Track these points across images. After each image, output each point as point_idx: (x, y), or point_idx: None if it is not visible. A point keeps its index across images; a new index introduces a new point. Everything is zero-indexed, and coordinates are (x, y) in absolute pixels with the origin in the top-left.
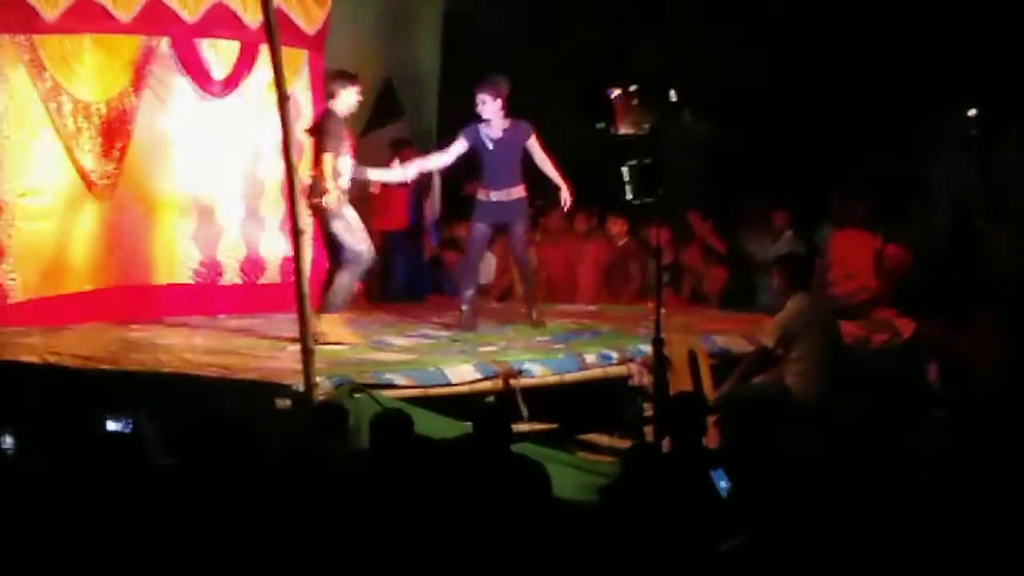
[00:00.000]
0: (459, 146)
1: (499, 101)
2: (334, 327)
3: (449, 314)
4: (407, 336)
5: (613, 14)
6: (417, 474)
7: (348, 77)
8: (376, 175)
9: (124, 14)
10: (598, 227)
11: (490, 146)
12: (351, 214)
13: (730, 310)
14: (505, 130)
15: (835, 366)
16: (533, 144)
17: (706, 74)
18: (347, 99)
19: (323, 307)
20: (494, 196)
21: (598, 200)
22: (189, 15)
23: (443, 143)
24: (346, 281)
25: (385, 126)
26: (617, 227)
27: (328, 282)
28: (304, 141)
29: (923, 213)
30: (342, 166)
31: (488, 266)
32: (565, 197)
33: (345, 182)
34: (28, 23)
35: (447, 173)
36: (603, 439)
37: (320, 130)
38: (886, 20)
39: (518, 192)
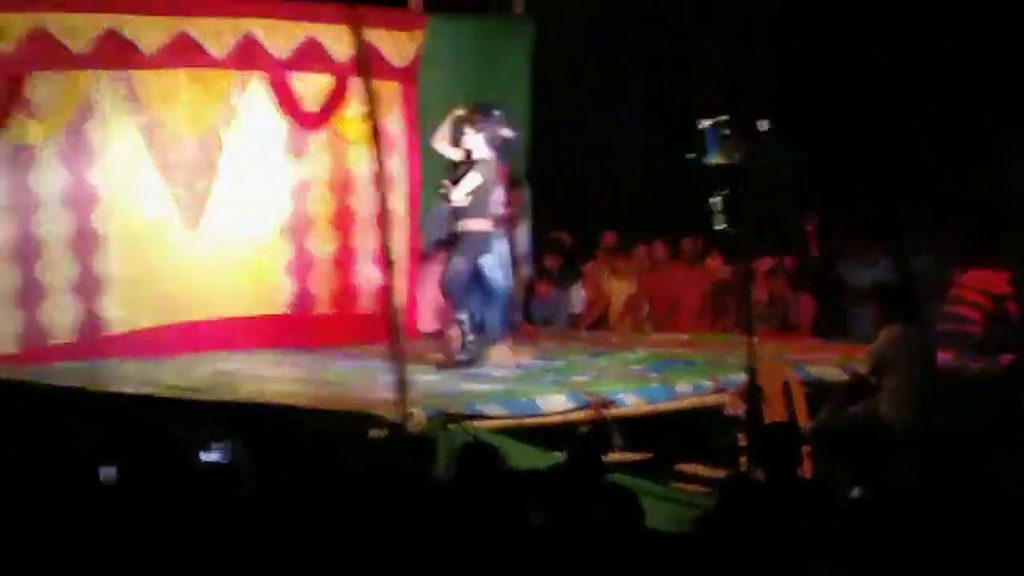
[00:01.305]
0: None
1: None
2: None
3: (541, 345)
4: (500, 366)
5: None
6: (503, 504)
7: (485, 109)
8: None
9: (218, 50)
10: (702, 257)
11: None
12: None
13: (824, 339)
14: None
15: (930, 395)
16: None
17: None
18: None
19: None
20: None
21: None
22: (281, 51)
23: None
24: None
25: None
26: (716, 259)
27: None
28: (396, 174)
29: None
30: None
31: (575, 296)
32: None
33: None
34: (127, 58)
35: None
36: (697, 469)
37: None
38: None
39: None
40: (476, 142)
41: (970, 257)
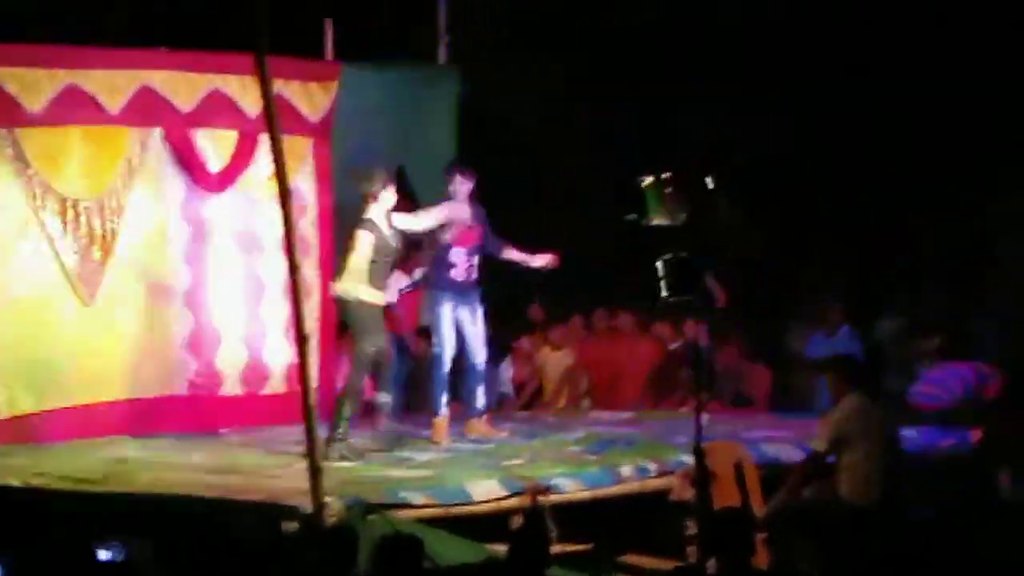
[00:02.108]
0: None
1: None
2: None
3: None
4: (425, 450)
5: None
6: None
7: (386, 176)
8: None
9: (113, 104)
10: (647, 326)
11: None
12: (445, 312)
13: (780, 413)
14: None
15: (894, 473)
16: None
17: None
18: (388, 198)
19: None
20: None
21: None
22: (183, 104)
23: None
24: (435, 380)
25: None
26: (667, 329)
27: None
28: (309, 237)
29: (993, 303)
30: (455, 257)
31: (504, 373)
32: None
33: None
34: (9, 115)
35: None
36: (642, 561)
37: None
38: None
39: None
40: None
41: (949, 321)
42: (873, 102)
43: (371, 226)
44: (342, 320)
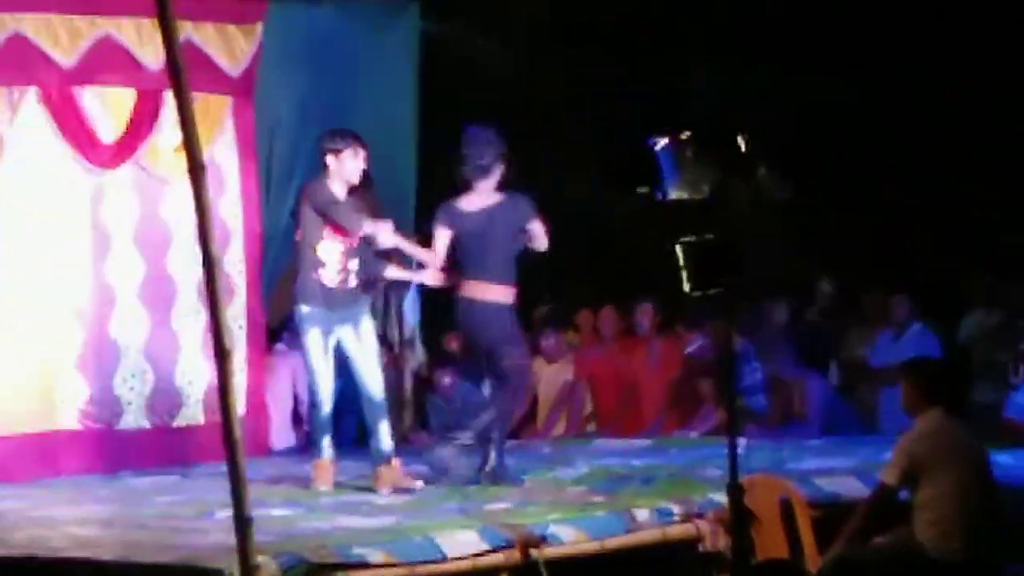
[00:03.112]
0: (441, 235)
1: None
2: (319, 472)
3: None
4: (383, 492)
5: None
6: None
7: (357, 139)
8: (396, 273)
9: None
10: (664, 328)
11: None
12: (311, 344)
13: (839, 436)
14: (500, 206)
15: (985, 513)
16: (535, 226)
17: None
18: (351, 167)
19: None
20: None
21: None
22: (64, 56)
23: (424, 218)
24: (313, 424)
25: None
26: (682, 328)
27: None
28: (231, 223)
29: None
30: (326, 253)
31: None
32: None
33: (330, 278)
34: None
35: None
36: None
37: (316, 208)
38: None
39: (496, 293)
40: None
41: None
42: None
43: None
44: (481, 331)
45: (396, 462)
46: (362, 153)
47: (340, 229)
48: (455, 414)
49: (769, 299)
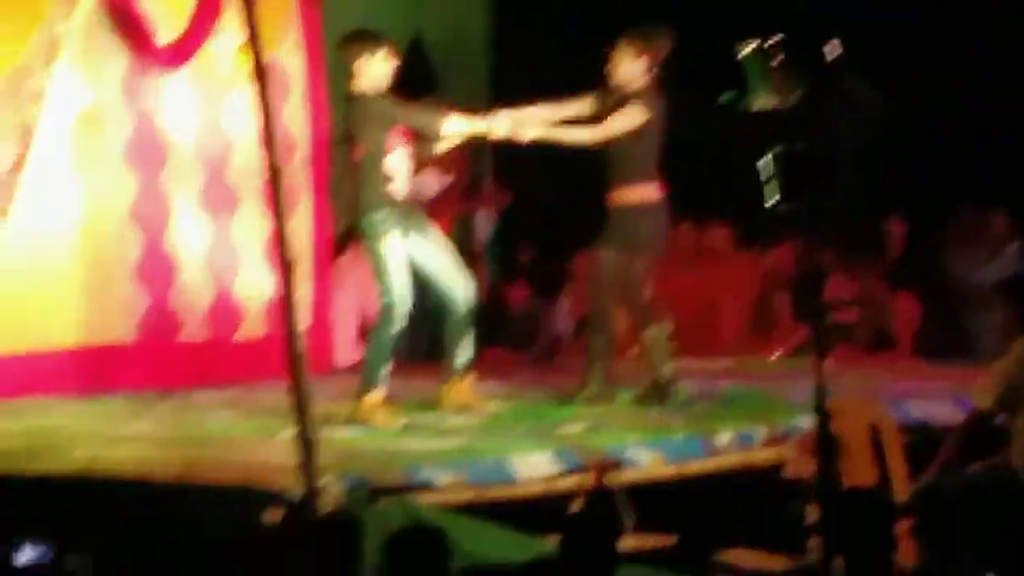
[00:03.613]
0: None
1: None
2: (372, 410)
3: (516, 376)
4: (453, 412)
5: None
6: None
7: (369, 40)
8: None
9: None
10: (742, 245)
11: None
12: (392, 245)
13: (932, 360)
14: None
15: None
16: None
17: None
18: (374, 72)
19: (361, 382)
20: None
21: (738, 207)
22: None
23: None
24: (374, 345)
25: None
26: (769, 248)
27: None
28: (294, 130)
29: None
30: (393, 166)
31: (563, 308)
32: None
33: (399, 190)
34: None
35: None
36: (746, 558)
37: (352, 120)
38: None
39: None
40: None
41: None
42: None
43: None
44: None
45: (468, 381)
46: (382, 52)
47: (412, 134)
48: (528, 329)
49: (859, 214)
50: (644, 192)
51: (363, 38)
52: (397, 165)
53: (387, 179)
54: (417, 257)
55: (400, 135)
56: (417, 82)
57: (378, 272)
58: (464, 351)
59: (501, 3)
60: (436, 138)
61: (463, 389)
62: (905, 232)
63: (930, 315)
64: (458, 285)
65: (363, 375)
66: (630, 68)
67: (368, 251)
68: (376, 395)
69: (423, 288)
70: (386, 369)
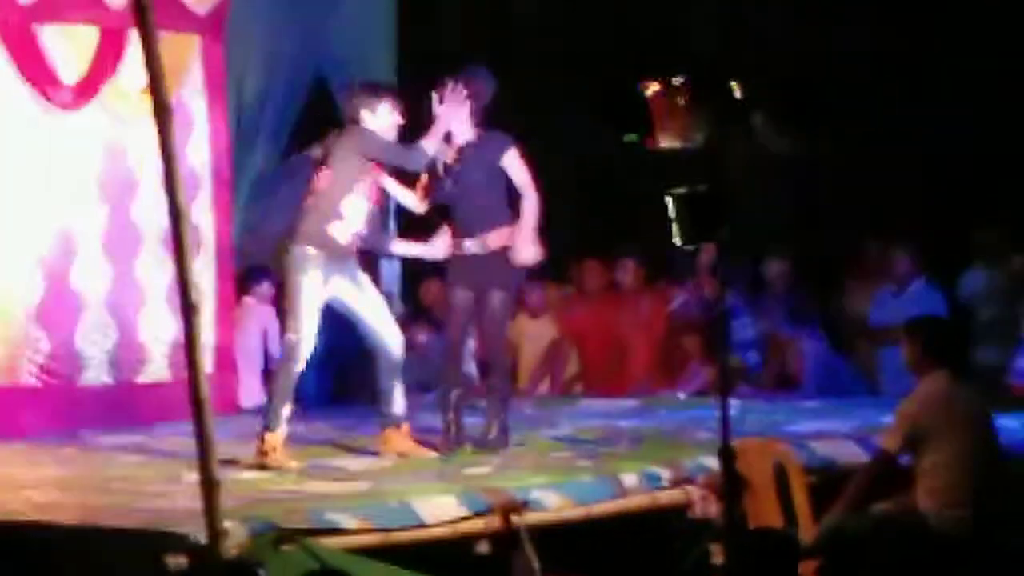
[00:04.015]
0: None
1: (467, 103)
2: (270, 450)
3: (420, 419)
4: (358, 455)
5: None
6: None
7: (377, 91)
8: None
9: None
10: (648, 282)
11: (449, 172)
12: (313, 284)
13: (834, 400)
14: (474, 145)
15: (990, 481)
16: (511, 162)
17: (785, 62)
18: (382, 123)
19: (264, 419)
20: (468, 246)
21: (648, 244)
22: None
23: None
24: (277, 383)
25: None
26: (665, 283)
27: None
28: (199, 170)
29: None
30: (348, 208)
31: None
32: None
33: (342, 234)
34: None
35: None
36: None
37: (337, 147)
38: None
39: (495, 239)
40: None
41: None
42: None
43: None
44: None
45: (406, 427)
46: (397, 107)
47: (381, 185)
48: (431, 372)
49: (763, 254)
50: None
51: (384, 91)
52: (354, 209)
53: (338, 217)
54: (347, 302)
55: (369, 187)
56: (321, 120)
57: (291, 306)
58: (400, 398)
59: (405, 36)
60: (417, 167)
61: (402, 437)
62: (790, 271)
63: (833, 353)
64: (391, 332)
65: (265, 414)
66: (451, 112)
67: (288, 281)
68: (276, 435)
69: (330, 330)
70: (287, 409)
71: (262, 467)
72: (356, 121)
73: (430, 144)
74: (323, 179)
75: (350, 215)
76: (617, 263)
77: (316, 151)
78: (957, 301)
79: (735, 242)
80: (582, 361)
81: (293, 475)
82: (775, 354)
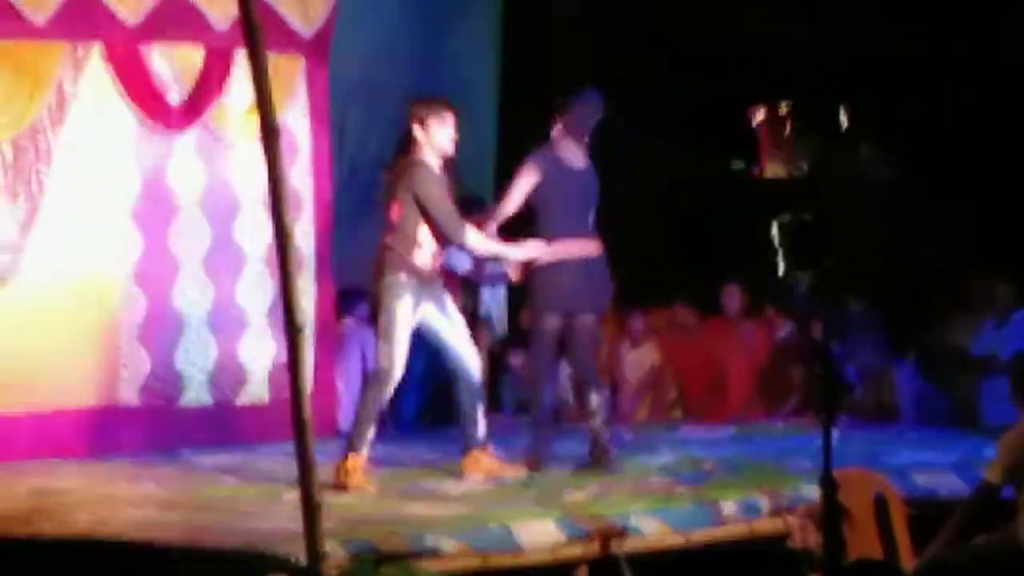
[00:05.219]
0: (527, 179)
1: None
2: (351, 473)
3: (519, 441)
4: (457, 478)
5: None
6: None
7: (439, 106)
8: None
9: (38, 13)
10: (753, 310)
11: (571, 185)
12: (404, 310)
13: (936, 432)
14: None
15: None
16: None
17: (888, 88)
18: (439, 139)
19: (348, 441)
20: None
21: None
22: (130, 12)
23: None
24: (366, 406)
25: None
26: (773, 312)
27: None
28: (302, 192)
29: None
30: (424, 236)
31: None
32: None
33: (424, 260)
34: None
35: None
36: None
37: (401, 182)
38: None
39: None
40: None
41: None
42: None
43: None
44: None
45: (489, 450)
46: (451, 119)
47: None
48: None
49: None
50: None
51: (436, 101)
52: (429, 236)
53: (417, 246)
54: (433, 326)
55: None
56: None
57: (384, 332)
58: (482, 421)
59: (506, 71)
60: (454, 241)
61: (486, 459)
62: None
63: (934, 385)
64: (471, 356)
65: (350, 437)
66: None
67: (383, 309)
68: (358, 457)
69: (418, 356)
70: (371, 432)
71: (342, 488)
72: (410, 134)
73: (482, 244)
74: (394, 212)
75: (427, 242)
76: (722, 290)
77: (387, 179)
78: None
79: (838, 272)
80: (682, 388)
81: (394, 498)
82: (871, 385)
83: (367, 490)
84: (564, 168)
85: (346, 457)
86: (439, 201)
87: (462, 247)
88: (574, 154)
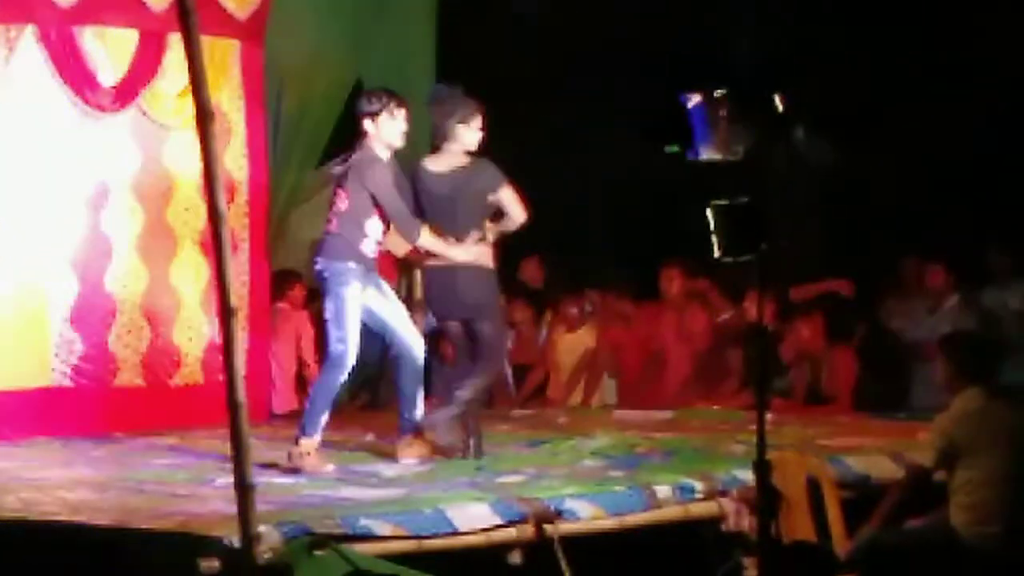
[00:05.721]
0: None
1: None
2: (305, 455)
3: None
4: (391, 461)
5: None
6: None
7: (391, 99)
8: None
9: None
10: (695, 293)
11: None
12: (354, 296)
13: (869, 415)
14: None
15: None
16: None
17: (826, 75)
18: (388, 131)
19: (302, 424)
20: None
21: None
22: None
23: None
24: (319, 391)
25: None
26: (715, 295)
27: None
28: (236, 175)
29: None
30: (372, 227)
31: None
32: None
33: (370, 249)
34: None
35: None
36: None
37: (352, 172)
38: None
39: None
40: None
41: None
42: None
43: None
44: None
45: (427, 433)
46: (401, 114)
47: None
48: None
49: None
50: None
51: (387, 94)
52: (375, 226)
53: (364, 235)
54: (377, 311)
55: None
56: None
57: (336, 318)
58: (420, 404)
59: (445, 43)
60: (408, 240)
61: (421, 442)
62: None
63: (868, 369)
64: (415, 338)
65: (304, 419)
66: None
67: (331, 296)
68: (312, 441)
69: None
70: (326, 416)
71: (296, 471)
72: (362, 129)
73: (430, 241)
74: (341, 201)
75: (372, 232)
76: (662, 273)
77: (337, 169)
78: (989, 318)
79: (776, 256)
80: (617, 371)
81: (328, 480)
82: (811, 367)
83: (325, 471)
84: (424, 174)
85: (298, 441)
86: (393, 200)
87: (414, 244)
88: (435, 160)
